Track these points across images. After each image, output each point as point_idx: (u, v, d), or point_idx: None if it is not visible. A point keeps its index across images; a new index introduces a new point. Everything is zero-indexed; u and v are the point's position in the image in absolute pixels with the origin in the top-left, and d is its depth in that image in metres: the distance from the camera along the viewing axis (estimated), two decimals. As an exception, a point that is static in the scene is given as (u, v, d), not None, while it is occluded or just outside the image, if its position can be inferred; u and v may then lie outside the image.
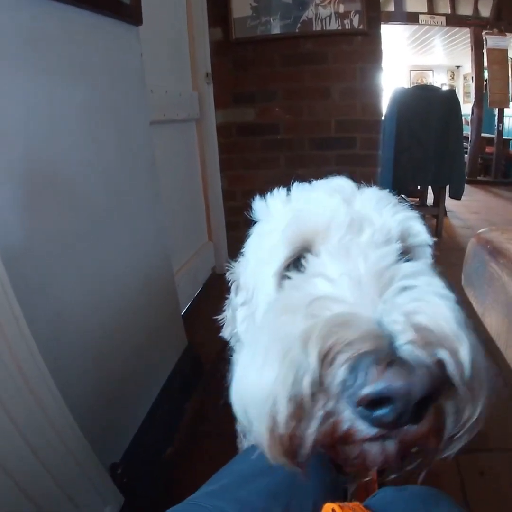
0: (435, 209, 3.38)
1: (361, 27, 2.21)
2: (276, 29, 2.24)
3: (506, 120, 5.41)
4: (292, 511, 0.40)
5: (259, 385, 0.30)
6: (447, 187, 3.20)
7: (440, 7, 5.05)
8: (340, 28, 2.21)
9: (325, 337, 0.27)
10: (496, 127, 5.35)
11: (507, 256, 0.22)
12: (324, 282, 0.34)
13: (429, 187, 3.47)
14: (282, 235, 0.42)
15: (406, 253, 0.41)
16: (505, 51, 5.18)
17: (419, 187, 3.57)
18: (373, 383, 0.25)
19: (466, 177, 4.98)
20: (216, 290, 0.51)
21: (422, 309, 0.28)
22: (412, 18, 4.96)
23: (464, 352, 0.27)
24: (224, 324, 0.57)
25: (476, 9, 5.02)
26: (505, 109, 5.28)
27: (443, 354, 0.27)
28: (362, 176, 2.26)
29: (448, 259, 2.85)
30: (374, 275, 0.32)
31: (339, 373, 0.27)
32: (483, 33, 5.07)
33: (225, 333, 0.56)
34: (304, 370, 0.27)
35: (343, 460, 0.32)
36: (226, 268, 0.58)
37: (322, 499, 0.39)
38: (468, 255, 0.26)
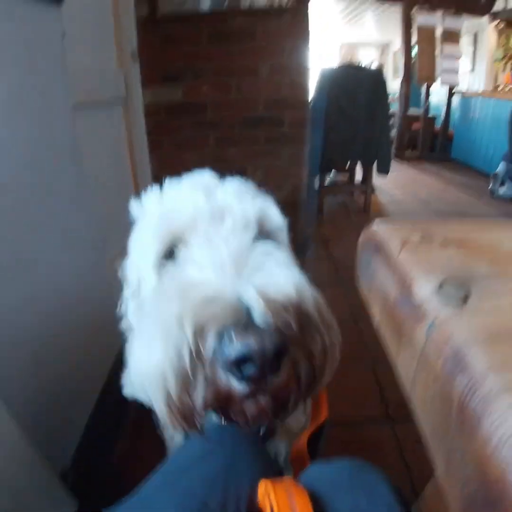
0: (363, 186, 3.54)
1: (289, 4, 2.21)
2: (204, 5, 2.19)
3: (432, 98, 5.69)
4: (230, 493, 0.41)
5: (149, 364, 0.35)
6: (375, 164, 3.34)
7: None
8: (268, 5, 2.20)
9: (196, 315, 0.33)
10: (423, 104, 5.61)
11: (385, 252, 0.24)
12: (193, 268, 0.39)
13: (358, 164, 3.61)
14: (155, 231, 0.48)
15: (265, 236, 0.48)
16: (433, 29, 5.39)
17: (347, 164, 3.70)
18: (236, 347, 0.31)
19: (394, 153, 5.26)
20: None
21: (269, 282, 0.35)
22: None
23: (305, 304, 0.35)
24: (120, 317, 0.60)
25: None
26: (431, 88, 5.53)
27: (286, 315, 0.33)
28: (291, 155, 2.34)
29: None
30: (234, 258, 0.38)
31: (210, 343, 0.33)
32: (413, 10, 5.23)
33: (122, 325, 0.59)
34: (182, 345, 0.33)
35: (232, 419, 0.38)
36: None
37: (258, 480, 0.43)
38: (359, 250, 0.29)
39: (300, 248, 2.61)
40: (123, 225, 0.64)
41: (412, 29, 5.37)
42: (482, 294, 0.20)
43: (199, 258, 0.40)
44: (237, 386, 0.34)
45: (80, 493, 1.00)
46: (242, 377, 0.33)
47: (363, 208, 3.53)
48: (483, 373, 0.16)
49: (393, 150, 4.57)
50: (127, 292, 0.57)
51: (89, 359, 1.17)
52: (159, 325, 0.36)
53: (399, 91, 5.49)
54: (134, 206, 0.58)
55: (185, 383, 0.34)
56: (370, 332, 1.73)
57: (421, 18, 5.35)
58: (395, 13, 5.45)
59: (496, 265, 0.22)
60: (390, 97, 3.21)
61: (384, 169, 3.34)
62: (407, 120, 5.61)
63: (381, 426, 1.46)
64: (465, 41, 5.67)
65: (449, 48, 5.48)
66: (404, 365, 0.22)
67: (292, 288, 0.35)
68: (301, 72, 2.27)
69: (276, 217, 0.50)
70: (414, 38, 5.40)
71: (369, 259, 0.25)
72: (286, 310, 0.33)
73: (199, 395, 0.34)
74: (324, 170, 3.27)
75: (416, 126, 5.76)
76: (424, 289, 0.20)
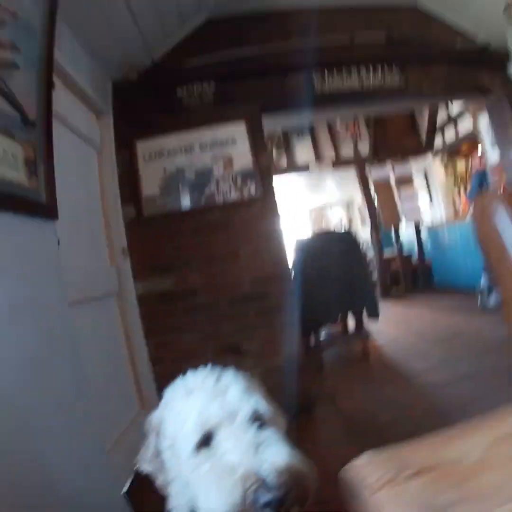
0: (358, 335, 3.59)
1: (257, 194, 2.55)
2: (184, 204, 2.51)
3: (402, 237, 6.22)
4: None
5: (223, 504, 0.58)
6: (365, 311, 3.46)
7: (326, 152, 6.00)
8: (239, 198, 2.54)
9: (242, 485, 0.57)
10: (395, 246, 6.09)
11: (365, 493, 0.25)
12: (229, 455, 0.62)
13: (349, 315, 3.72)
14: (193, 428, 0.67)
15: (263, 421, 0.68)
16: (387, 179, 6.18)
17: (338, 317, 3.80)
18: (263, 498, 0.56)
19: (381, 294, 5.49)
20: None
21: (275, 457, 0.60)
22: (304, 167, 5.84)
23: (296, 466, 0.60)
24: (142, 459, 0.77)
25: (356, 150, 6.02)
26: (399, 229, 6.09)
27: (287, 480, 0.58)
28: (280, 324, 2.41)
29: (382, 380, 2.86)
30: (249, 445, 0.62)
31: (250, 496, 0.57)
32: (366, 168, 6.07)
33: (145, 466, 0.76)
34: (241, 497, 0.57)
35: None
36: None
37: None
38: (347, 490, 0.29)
39: (306, 408, 2.48)
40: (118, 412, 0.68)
41: (369, 183, 6.12)
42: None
43: (228, 448, 0.63)
44: None
45: None
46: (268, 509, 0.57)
47: (362, 355, 3.50)
48: None
49: (378, 293, 4.75)
50: (164, 443, 0.74)
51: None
52: (221, 487, 0.59)
53: (370, 239, 5.98)
54: (169, 392, 0.77)
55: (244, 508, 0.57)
56: None
57: (374, 172, 6.17)
58: (351, 173, 6.28)
59: (459, 488, 0.23)
60: (364, 244, 3.49)
61: (374, 314, 3.45)
62: (384, 263, 6.00)
63: None
64: (418, 180, 6.42)
65: (405, 191, 6.21)
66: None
67: (289, 461, 0.60)
68: (278, 248, 2.51)
69: (264, 408, 0.70)
70: (372, 190, 6.11)
71: (355, 494, 0.26)
72: (286, 473, 0.58)
73: None
74: (315, 329, 3.35)
75: (395, 265, 6.13)
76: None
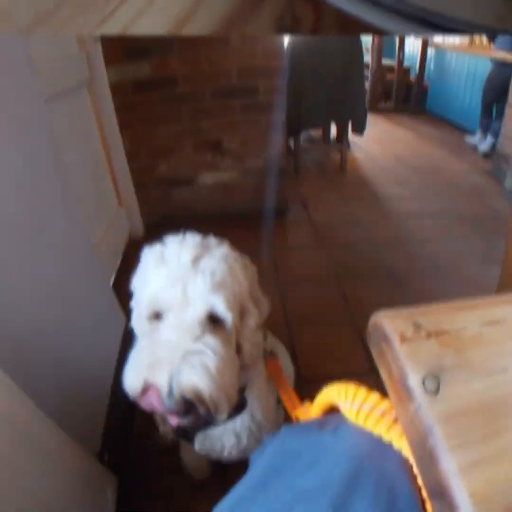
0: (339, 145, 3.54)
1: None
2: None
3: (407, 47, 5.57)
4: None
5: (133, 380, 0.61)
6: (350, 124, 3.34)
7: None
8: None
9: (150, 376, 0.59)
10: (396, 55, 5.49)
11: (389, 342, 0.30)
12: (165, 334, 0.64)
13: (332, 122, 3.58)
14: (149, 302, 0.68)
15: (213, 320, 0.67)
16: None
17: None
18: (166, 404, 0.59)
19: (368, 105, 5.20)
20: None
21: (192, 377, 0.59)
22: None
23: (203, 392, 0.59)
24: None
25: None
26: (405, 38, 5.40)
27: (189, 397, 0.59)
28: (267, 122, 2.31)
29: (355, 195, 3.04)
30: (179, 347, 0.61)
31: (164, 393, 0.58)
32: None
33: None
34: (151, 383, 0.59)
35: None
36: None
37: None
38: (371, 331, 0.36)
39: (281, 212, 2.64)
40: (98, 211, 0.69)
41: None
42: (447, 384, 0.28)
43: (163, 337, 0.63)
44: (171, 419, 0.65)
45: (116, 470, 1.11)
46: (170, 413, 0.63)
47: (339, 167, 3.54)
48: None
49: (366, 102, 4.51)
50: (133, 306, 0.76)
51: (99, 346, 1.24)
52: (136, 364, 0.63)
53: (371, 42, 5.34)
54: (145, 254, 0.73)
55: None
56: (352, 291, 1.84)
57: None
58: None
59: (457, 356, 0.30)
60: (363, 47, 3.15)
61: (359, 129, 3.35)
62: (381, 71, 5.51)
63: (367, 378, 1.62)
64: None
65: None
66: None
67: (198, 385, 0.59)
68: (273, 40, 2.20)
69: (222, 312, 0.67)
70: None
71: (378, 342, 0.32)
72: (193, 395, 0.59)
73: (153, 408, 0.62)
74: (298, 132, 3.24)
75: (390, 76, 5.66)
76: (413, 380, 0.28)
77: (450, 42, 5.07)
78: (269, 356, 0.90)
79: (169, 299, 0.65)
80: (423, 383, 0.26)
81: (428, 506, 0.31)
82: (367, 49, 5.10)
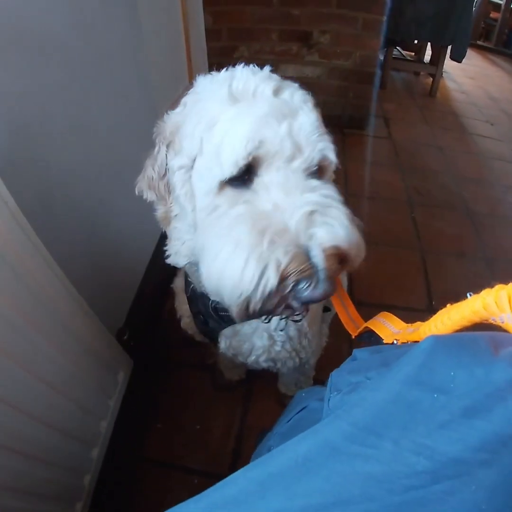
0: (433, 68, 3.22)
1: None
2: None
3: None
4: None
5: (236, 274, 0.42)
6: (449, 47, 2.99)
7: None
8: None
9: (284, 262, 0.42)
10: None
11: None
12: (271, 207, 0.45)
13: (428, 43, 3.22)
14: (233, 151, 0.46)
15: (320, 170, 0.52)
16: None
17: (416, 41, 3.39)
18: (306, 296, 0.43)
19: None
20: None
21: (331, 239, 0.43)
22: None
23: (351, 257, 0.45)
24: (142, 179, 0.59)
25: None
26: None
27: (338, 271, 0.45)
28: (365, 22, 2.03)
29: (441, 124, 2.75)
30: (303, 203, 0.44)
31: (289, 284, 0.42)
32: None
33: (144, 191, 0.59)
34: (272, 275, 0.41)
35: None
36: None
37: None
38: None
39: (360, 122, 2.45)
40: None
41: None
42: None
43: (274, 197, 0.46)
44: (297, 306, 0.45)
45: (134, 353, 1.07)
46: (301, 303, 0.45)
47: (429, 92, 3.24)
48: None
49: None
50: (175, 161, 0.53)
51: (140, 230, 1.16)
52: (239, 250, 0.43)
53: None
54: (202, 83, 0.58)
55: (264, 299, 0.43)
56: (424, 218, 1.65)
57: None
58: None
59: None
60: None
61: (459, 55, 3.01)
62: (486, 6, 4.90)
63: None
64: None
65: None
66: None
67: (346, 246, 0.44)
68: None
69: (333, 160, 0.52)
70: None
71: None
72: (340, 265, 0.44)
73: (269, 306, 0.44)
74: (393, 43, 2.98)
75: (494, 15, 5.01)
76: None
77: None
78: None
79: (272, 140, 0.47)
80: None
81: None
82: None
